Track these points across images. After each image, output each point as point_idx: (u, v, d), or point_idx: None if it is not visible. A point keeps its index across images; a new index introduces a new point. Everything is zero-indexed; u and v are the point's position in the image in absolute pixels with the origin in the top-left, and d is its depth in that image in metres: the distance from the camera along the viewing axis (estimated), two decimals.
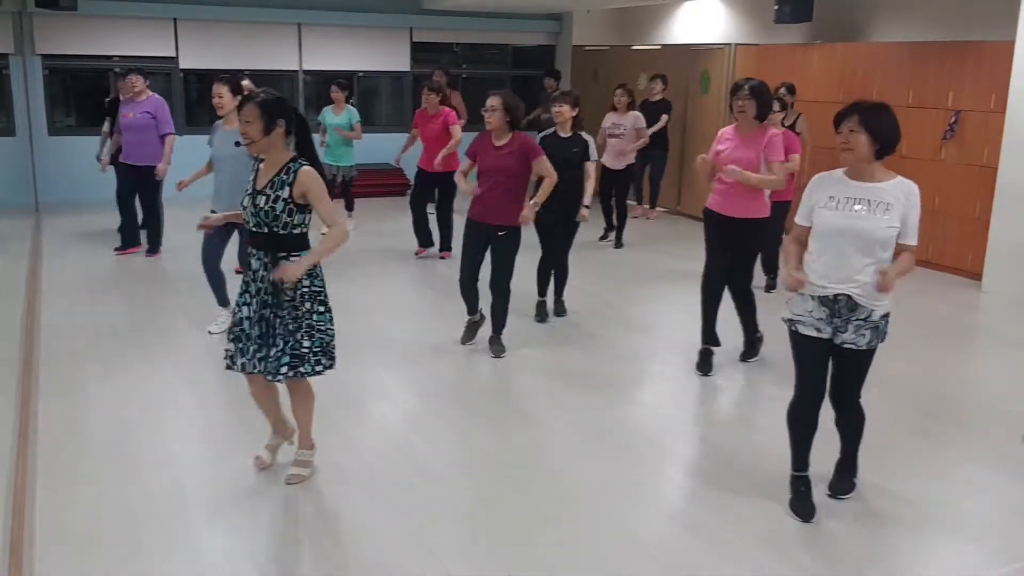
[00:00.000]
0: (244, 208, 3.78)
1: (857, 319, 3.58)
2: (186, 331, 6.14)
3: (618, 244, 9.30)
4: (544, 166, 5.54)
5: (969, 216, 8.12)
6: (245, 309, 3.79)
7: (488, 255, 5.68)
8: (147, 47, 11.02)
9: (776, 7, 8.64)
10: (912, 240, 3.56)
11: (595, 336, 6.28)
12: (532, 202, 5.56)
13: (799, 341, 3.71)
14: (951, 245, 8.33)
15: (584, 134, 6.37)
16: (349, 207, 9.58)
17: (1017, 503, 3.98)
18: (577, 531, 3.62)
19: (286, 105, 3.75)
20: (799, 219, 3.75)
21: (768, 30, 10.13)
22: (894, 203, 3.51)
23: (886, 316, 3.65)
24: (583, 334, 6.30)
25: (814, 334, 3.65)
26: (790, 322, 3.72)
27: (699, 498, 4.00)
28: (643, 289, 7.91)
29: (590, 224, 6.43)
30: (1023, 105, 7.34)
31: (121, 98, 8.33)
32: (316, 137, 9.19)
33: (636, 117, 9.09)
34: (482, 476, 4.16)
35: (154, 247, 8.37)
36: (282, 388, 3.97)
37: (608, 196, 9.32)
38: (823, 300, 3.61)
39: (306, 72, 11.87)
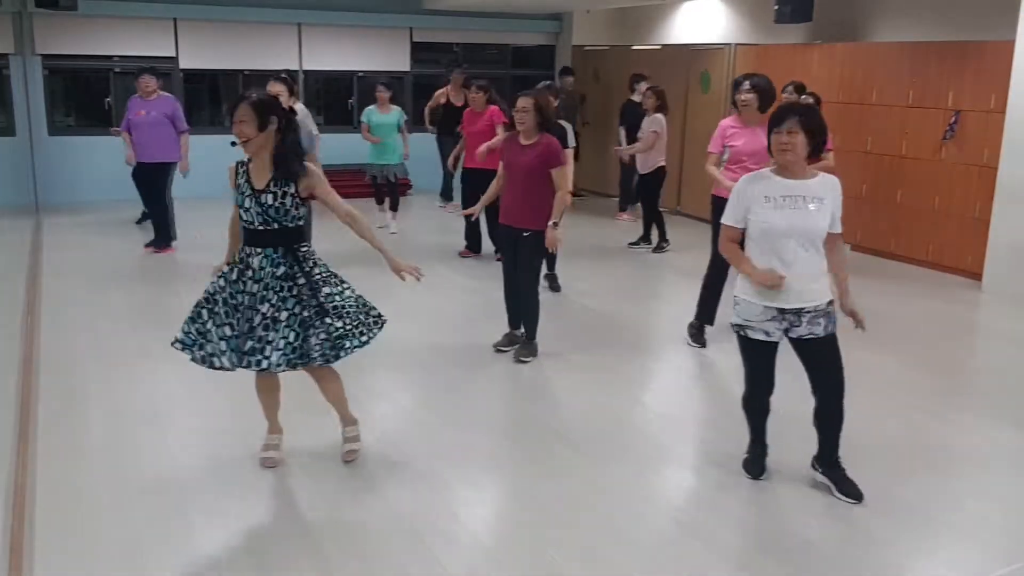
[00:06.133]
0: (246, 210, 3.79)
1: (807, 312, 3.68)
2: None
3: (657, 248, 9.10)
4: (562, 176, 5.32)
5: (969, 216, 8.11)
6: (223, 301, 3.81)
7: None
8: (147, 47, 11.00)
9: (776, 7, 8.64)
10: (837, 229, 3.77)
11: (599, 337, 6.28)
12: (551, 222, 5.33)
13: (747, 345, 3.85)
14: (951, 245, 8.33)
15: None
16: (394, 207, 9.60)
17: (1018, 503, 3.98)
18: (577, 532, 3.61)
19: (279, 104, 3.87)
20: (732, 221, 3.81)
21: (768, 30, 10.13)
22: (826, 197, 3.67)
23: (831, 301, 3.76)
24: (587, 334, 6.29)
25: (763, 338, 3.76)
26: (738, 327, 3.83)
27: (699, 499, 4.00)
28: (648, 289, 7.91)
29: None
30: (1023, 105, 7.33)
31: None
32: (357, 136, 9.44)
33: (652, 120, 9.01)
34: (482, 477, 4.16)
35: (163, 242, 8.43)
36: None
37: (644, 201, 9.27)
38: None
39: (306, 72, 11.87)
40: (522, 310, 5.65)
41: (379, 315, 3.95)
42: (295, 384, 4.18)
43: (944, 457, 4.45)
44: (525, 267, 5.53)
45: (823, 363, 3.77)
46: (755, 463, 4.08)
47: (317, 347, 3.75)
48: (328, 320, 3.77)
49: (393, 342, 6.03)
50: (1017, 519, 3.83)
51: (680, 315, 6.31)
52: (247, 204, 3.79)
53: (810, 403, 3.86)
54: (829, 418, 3.87)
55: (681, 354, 5.93)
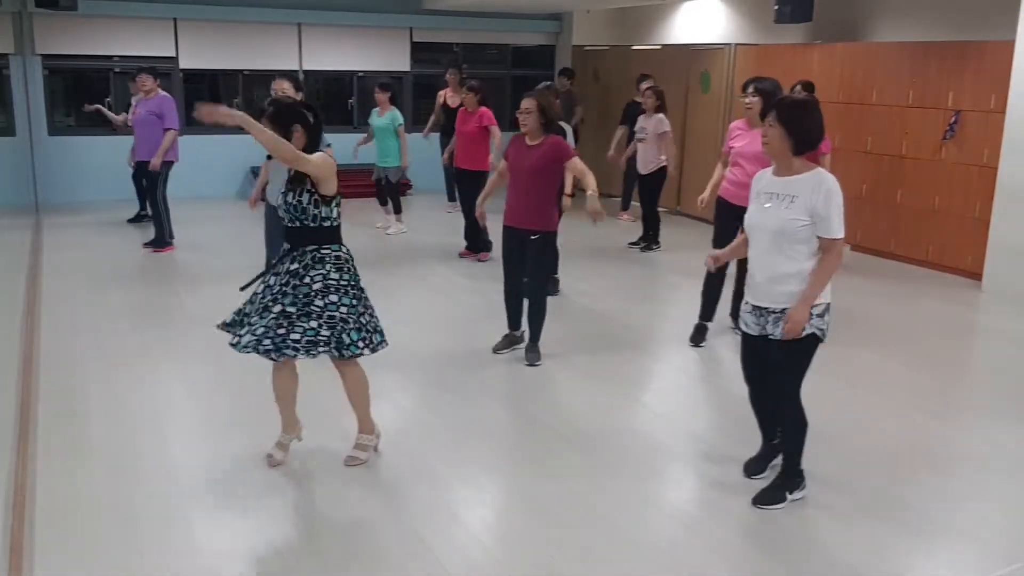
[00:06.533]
0: (280, 207, 3.94)
1: (772, 312, 3.66)
2: (187, 329, 6.14)
3: (646, 247, 9.16)
4: (577, 166, 5.39)
5: (969, 216, 8.12)
6: (265, 289, 3.94)
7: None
8: (147, 47, 11.01)
9: (776, 7, 8.64)
10: (829, 233, 3.51)
11: (599, 338, 6.28)
12: (589, 192, 5.32)
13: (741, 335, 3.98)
14: (951, 245, 8.34)
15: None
16: (397, 209, 9.60)
17: (1018, 503, 3.98)
18: (577, 532, 3.62)
19: (296, 109, 3.95)
20: None
21: (768, 30, 10.13)
22: (799, 195, 3.53)
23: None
24: (587, 335, 6.29)
25: (744, 329, 3.85)
26: (733, 317, 3.94)
27: (701, 500, 4.00)
28: (648, 289, 7.92)
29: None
30: (1023, 105, 7.34)
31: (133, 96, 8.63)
32: (356, 137, 9.47)
33: (660, 120, 9.00)
34: (482, 477, 4.16)
35: (159, 243, 8.42)
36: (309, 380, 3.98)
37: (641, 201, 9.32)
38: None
39: (306, 72, 11.86)
40: (529, 311, 5.61)
41: (352, 351, 3.92)
42: (299, 383, 4.18)
43: (944, 457, 4.46)
44: (534, 269, 5.50)
45: (777, 364, 3.74)
46: (756, 463, 4.08)
47: (294, 343, 3.79)
48: (312, 323, 3.80)
49: (393, 342, 6.03)
50: (1017, 519, 3.83)
51: (680, 315, 6.32)
52: (279, 201, 3.93)
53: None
54: (781, 420, 3.86)
55: (681, 354, 5.93)
